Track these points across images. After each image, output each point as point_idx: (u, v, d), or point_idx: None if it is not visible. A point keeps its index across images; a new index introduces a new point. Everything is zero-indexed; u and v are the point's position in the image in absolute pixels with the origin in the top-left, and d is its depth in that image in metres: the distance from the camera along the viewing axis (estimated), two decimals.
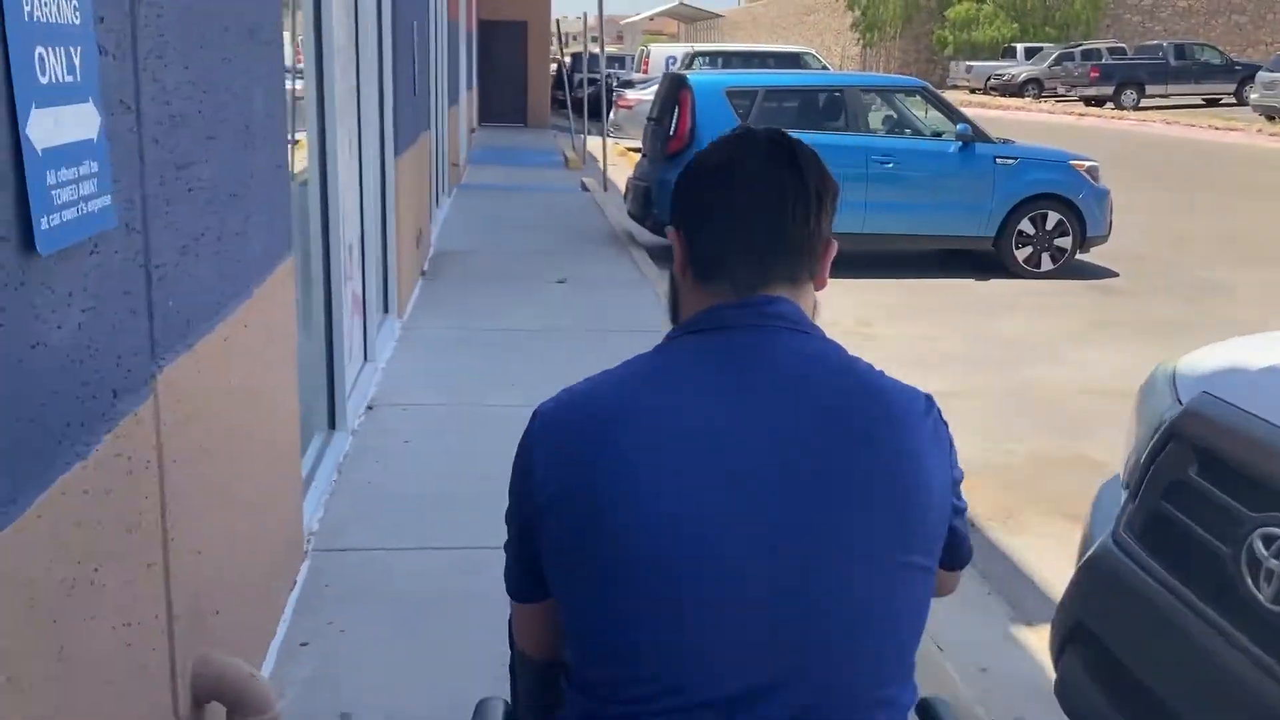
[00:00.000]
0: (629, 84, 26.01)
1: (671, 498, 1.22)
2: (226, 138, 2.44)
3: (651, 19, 76.51)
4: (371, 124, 5.72)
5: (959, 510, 1.37)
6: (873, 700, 1.26)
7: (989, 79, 40.97)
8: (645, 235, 10.60)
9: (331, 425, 4.57)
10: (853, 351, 1.37)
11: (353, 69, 5.19)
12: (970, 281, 9.79)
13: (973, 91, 40.71)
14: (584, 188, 15.13)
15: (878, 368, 1.36)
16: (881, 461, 1.26)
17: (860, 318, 8.13)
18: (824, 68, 30.75)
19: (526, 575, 1.36)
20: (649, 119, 10.70)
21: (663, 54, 32.76)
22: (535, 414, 1.34)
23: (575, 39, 27.55)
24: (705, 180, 1.39)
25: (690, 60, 28.75)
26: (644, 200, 10.04)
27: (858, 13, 48.15)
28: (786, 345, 1.32)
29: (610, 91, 28.55)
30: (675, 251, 1.41)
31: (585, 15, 20.18)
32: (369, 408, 5.16)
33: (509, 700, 1.55)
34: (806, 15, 59.66)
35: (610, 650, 1.25)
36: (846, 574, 1.23)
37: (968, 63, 42.83)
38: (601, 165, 16.23)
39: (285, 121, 3.15)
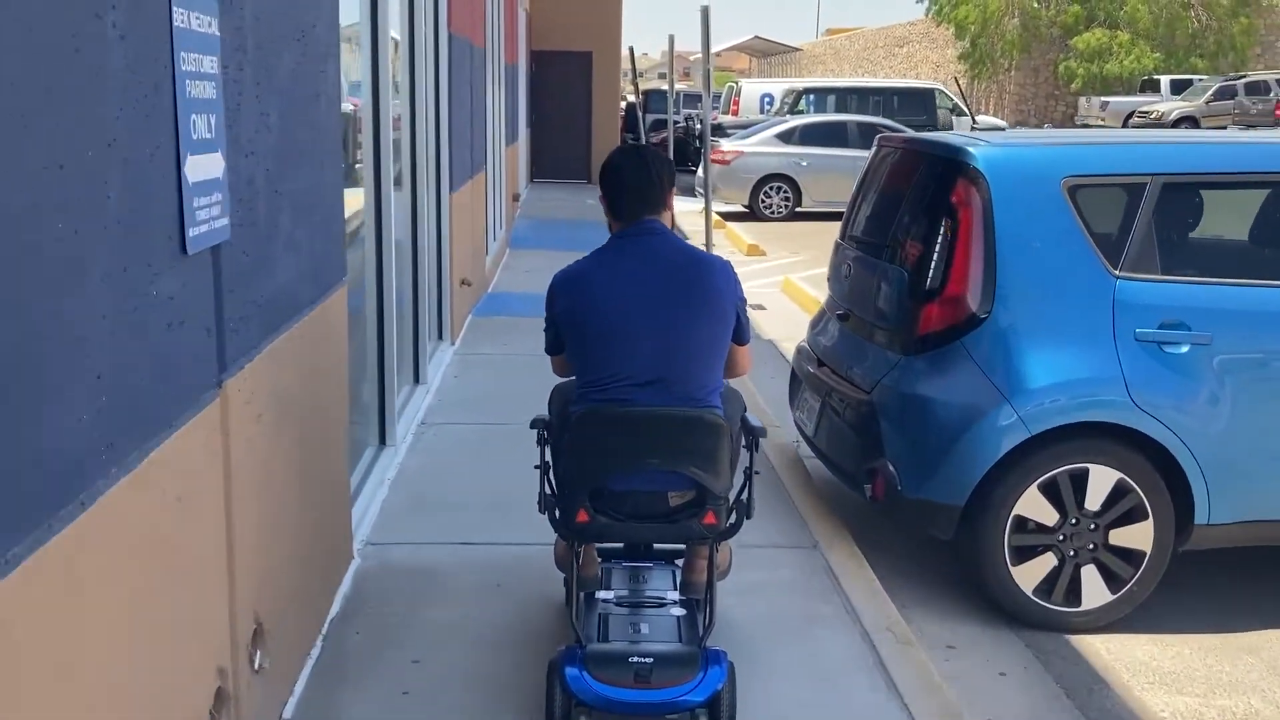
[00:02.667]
0: (719, 129, 20.45)
1: (611, 303, 3.04)
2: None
3: (719, 54, 70.93)
4: None
5: (740, 311, 3.17)
6: (699, 384, 3.06)
7: (1130, 117, 34.81)
8: (848, 502, 4.90)
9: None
10: None
11: None
12: None
13: None
14: None
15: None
16: (698, 282, 3.08)
17: None
18: (955, 108, 25.04)
19: (554, 342, 3.24)
20: (850, 238, 5.01)
21: (756, 92, 27.27)
22: (555, 276, 3.18)
23: (643, 75, 22.19)
24: (611, 179, 3.19)
25: (796, 99, 23.15)
26: (864, 436, 4.35)
27: (966, 43, 42.23)
28: (657, 239, 3.13)
29: (698, 139, 23.03)
30: (604, 205, 3.22)
31: (671, 39, 14.66)
32: None
33: (546, 414, 3.41)
34: (898, 47, 53.77)
35: (589, 367, 3.10)
36: (685, 331, 3.04)
37: (1103, 98, 36.67)
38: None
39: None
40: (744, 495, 3.18)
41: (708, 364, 3.07)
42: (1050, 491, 4.03)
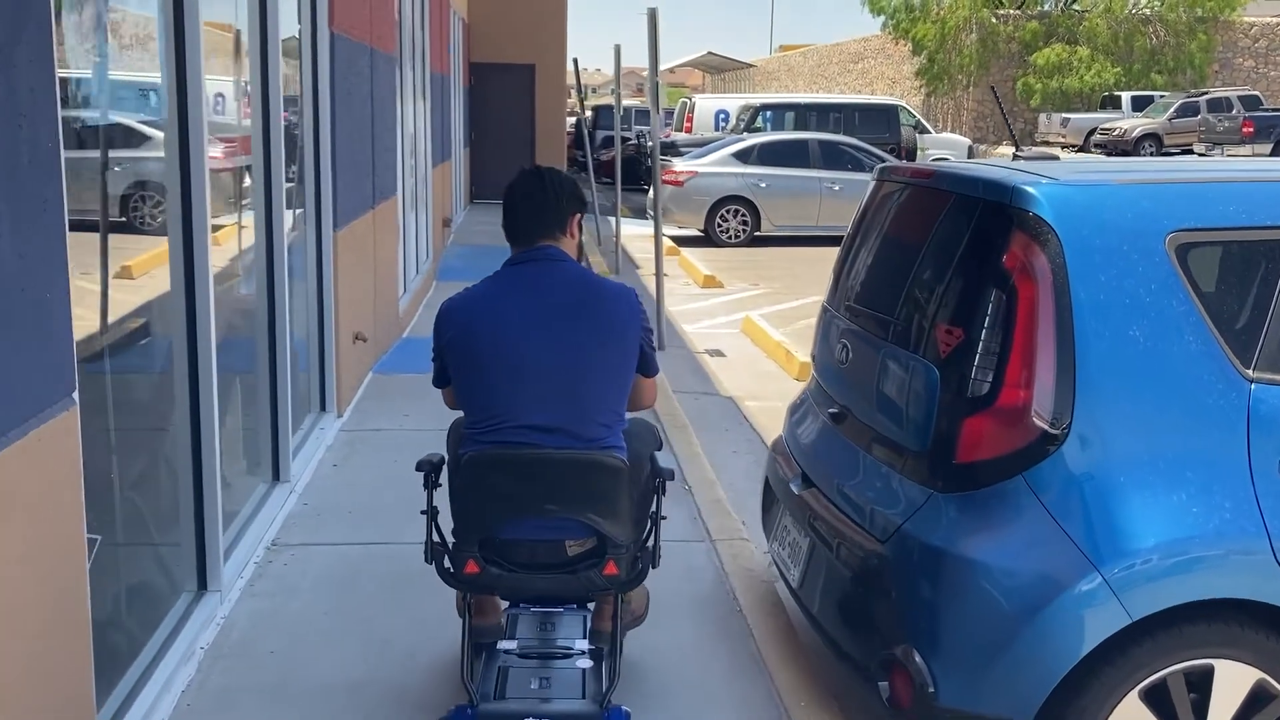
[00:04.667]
0: (673, 148, 19.15)
1: (501, 333, 2.82)
2: None
3: (673, 70, 69.73)
4: None
5: (645, 344, 2.95)
6: (598, 424, 2.84)
7: (1092, 134, 34.05)
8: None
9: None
10: None
11: None
12: None
13: (1076, 150, 33.80)
14: None
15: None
16: (598, 312, 2.87)
17: None
18: (917, 125, 23.98)
19: (441, 374, 3.02)
20: (844, 306, 3.64)
21: (711, 108, 26.04)
22: (443, 305, 2.95)
23: (595, 91, 20.98)
24: (506, 199, 3.01)
25: (753, 116, 21.96)
26: (877, 607, 2.99)
27: (923, 59, 41.37)
28: (551, 267, 2.92)
29: (648, 157, 21.71)
30: (504, 230, 3.03)
31: (618, 50, 13.38)
32: None
33: (444, 454, 3.14)
34: (853, 63, 52.94)
35: (476, 404, 2.88)
36: (583, 365, 2.82)
37: (1063, 115, 35.88)
38: (654, 290, 9.11)
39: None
40: (649, 542, 3.01)
41: (608, 402, 2.90)
42: (1157, 700, 2.70)
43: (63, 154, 2.38)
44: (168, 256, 3.58)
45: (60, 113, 2.37)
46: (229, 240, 4.59)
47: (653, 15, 8.57)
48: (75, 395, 2.46)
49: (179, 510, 3.70)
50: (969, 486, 2.80)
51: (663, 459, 3.19)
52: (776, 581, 4.17)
